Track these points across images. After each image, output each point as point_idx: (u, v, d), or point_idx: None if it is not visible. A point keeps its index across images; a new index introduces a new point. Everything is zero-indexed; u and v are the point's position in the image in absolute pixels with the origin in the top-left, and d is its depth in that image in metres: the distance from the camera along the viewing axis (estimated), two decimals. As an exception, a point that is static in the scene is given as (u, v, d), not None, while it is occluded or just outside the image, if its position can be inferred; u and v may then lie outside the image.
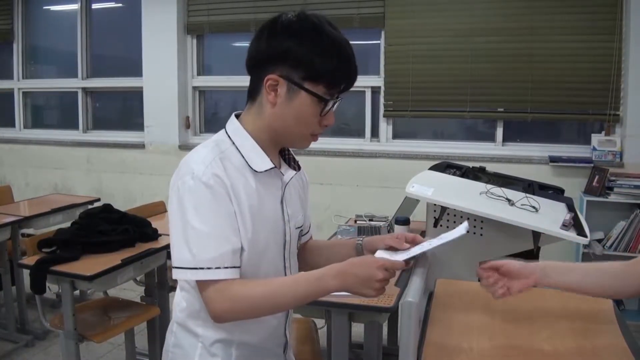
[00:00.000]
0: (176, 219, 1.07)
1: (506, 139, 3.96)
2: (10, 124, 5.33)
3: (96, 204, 3.38)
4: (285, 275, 1.21)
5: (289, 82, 1.07)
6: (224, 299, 1.05)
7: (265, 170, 1.13)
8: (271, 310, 1.11)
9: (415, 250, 1.18)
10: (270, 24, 1.09)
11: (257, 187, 1.12)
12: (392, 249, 1.22)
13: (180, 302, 1.20)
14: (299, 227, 1.26)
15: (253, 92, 1.14)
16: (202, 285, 1.06)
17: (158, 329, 2.73)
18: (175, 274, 1.08)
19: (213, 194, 1.05)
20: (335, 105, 1.12)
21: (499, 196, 2.20)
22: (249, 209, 1.09)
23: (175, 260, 1.07)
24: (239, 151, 1.12)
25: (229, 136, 1.14)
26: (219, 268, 1.04)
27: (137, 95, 4.75)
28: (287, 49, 1.05)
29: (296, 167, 1.23)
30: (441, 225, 2.23)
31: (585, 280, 1.21)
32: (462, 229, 1.16)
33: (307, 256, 1.35)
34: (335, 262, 1.12)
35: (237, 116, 1.17)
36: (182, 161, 1.10)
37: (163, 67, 4.57)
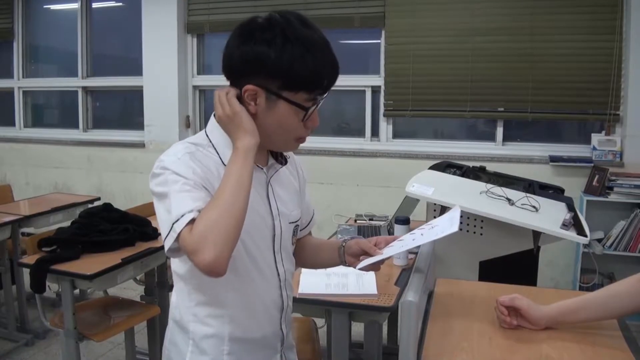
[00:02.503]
0: (156, 205, 1.06)
1: (506, 138, 3.96)
2: (11, 123, 5.33)
3: (96, 203, 3.38)
4: (277, 269, 1.19)
5: (267, 91, 1.05)
6: (194, 237, 0.96)
7: None
8: (230, 209, 0.98)
9: (401, 247, 1.20)
10: (239, 31, 1.06)
11: None
12: (365, 254, 1.24)
13: (175, 298, 1.20)
14: (293, 222, 1.24)
15: None
16: (182, 240, 0.98)
17: (158, 328, 2.73)
18: (165, 247, 1.02)
19: (185, 176, 1.02)
20: (318, 106, 1.10)
21: (499, 196, 2.21)
22: None
23: (163, 236, 1.03)
24: (215, 149, 1.11)
25: (207, 135, 1.14)
26: (191, 211, 0.98)
27: (137, 94, 4.75)
28: (260, 58, 1.02)
29: (283, 161, 1.21)
30: (441, 225, 2.24)
31: (607, 314, 1.23)
32: (453, 225, 1.14)
33: (299, 253, 1.34)
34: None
35: None
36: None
37: (163, 66, 4.57)
